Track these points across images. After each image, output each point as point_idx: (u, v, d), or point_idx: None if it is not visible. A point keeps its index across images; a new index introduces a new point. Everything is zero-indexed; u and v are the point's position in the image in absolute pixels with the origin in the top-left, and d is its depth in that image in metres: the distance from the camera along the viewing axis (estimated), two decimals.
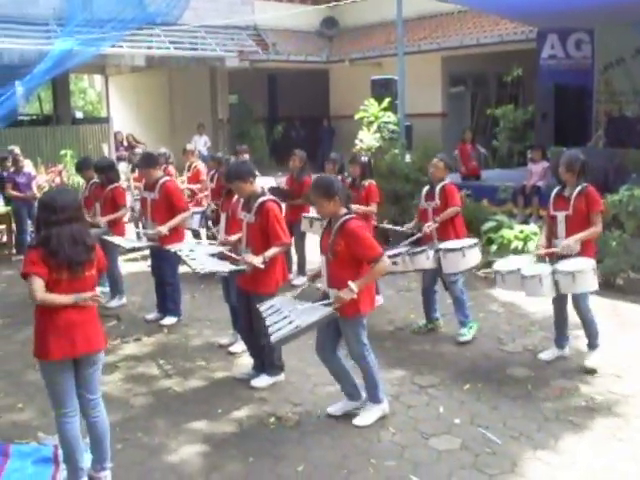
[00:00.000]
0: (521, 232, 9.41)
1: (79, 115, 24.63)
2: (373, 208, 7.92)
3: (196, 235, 10.00)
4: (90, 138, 16.47)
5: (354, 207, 7.06)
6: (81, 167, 8.92)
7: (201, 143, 18.19)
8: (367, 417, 5.23)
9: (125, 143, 18.22)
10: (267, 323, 4.94)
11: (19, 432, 5.22)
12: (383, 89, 13.75)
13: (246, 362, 6.37)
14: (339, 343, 5.35)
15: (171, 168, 11.29)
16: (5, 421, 5.46)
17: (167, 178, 7.77)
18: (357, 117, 12.98)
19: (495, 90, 19.64)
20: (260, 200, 5.71)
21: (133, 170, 12.77)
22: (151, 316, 7.88)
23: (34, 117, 21.20)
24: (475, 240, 7.04)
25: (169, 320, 7.70)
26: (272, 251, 5.61)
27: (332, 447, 4.89)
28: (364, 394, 5.37)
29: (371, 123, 12.84)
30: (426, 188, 7.24)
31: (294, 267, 9.18)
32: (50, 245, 4.13)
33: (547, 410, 5.35)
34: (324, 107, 21.56)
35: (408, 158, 12.35)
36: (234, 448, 4.93)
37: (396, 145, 12.46)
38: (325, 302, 5.03)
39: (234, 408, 5.54)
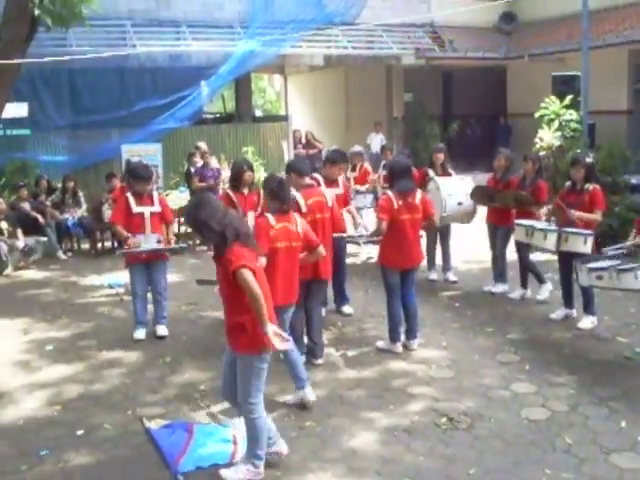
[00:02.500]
0: None
1: (259, 113, 25.65)
2: (598, 216, 7.16)
3: None
4: (270, 136, 17.07)
5: (577, 214, 6.97)
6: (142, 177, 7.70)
7: (377, 141, 18.33)
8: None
9: (304, 141, 18.69)
10: None
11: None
12: (565, 86, 13.24)
13: (425, 355, 6.44)
14: None
15: (367, 165, 11.32)
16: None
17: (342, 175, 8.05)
18: (537, 115, 12.57)
19: None
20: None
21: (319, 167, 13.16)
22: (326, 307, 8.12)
23: (217, 115, 22.26)
24: None
25: (348, 309, 8.06)
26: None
27: (504, 453, 4.81)
28: None
29: (552, 121, 12.41)
30: None
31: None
32: (241, 236, 4.34)
33: None
34: (501, 104, 21.02)
35: (590, 158, 11.79)
36: (405, 445, 4.97)
37: (578, 144, 11.96)
38: None
39: (406, 405, 5.58)
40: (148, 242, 7.34)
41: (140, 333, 7.49)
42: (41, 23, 11.86)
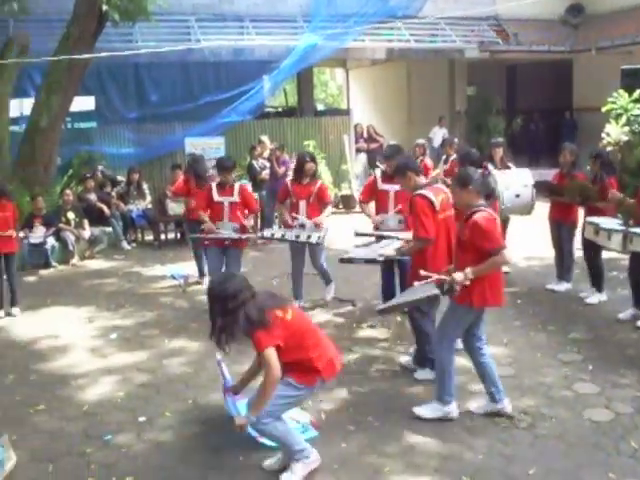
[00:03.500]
0: None
1: (320, 107, 25.68)
2: None
3: None
4: (331, 129, 17.07)
5: None
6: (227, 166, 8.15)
7: (440, 135, 18.18)
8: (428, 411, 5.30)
9: (365, 135, 18.64)
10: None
11: None
12: (633, 79, 12.87)
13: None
14: (475, 332, 5.35)
15: (428, 160, 11.30)
16: None
17: None
18: (604, 109, 12.26)
19: None
20: (414, 194, 5.85)
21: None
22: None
23: (279, 109, 22.39)
24: None
25: None
26: (413, 246, 5.90)
27: (566, 454, 4.72)
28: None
29: (620, 116, 12.08)
30: None
31: None
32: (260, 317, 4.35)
33: None
34: (566, 99, 20.58)
35: None
36: (464, 443, 4.92)
37: None
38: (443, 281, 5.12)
39: (466, 402, 5.52)
40: (224, 229, 7.93)
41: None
42: (108, 19, 12.16)
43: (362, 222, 8.82)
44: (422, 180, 6.05)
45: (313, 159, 8.28)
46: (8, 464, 4.76)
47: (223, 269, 7.87)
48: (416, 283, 5.24)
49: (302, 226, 8.07)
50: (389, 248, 6.49)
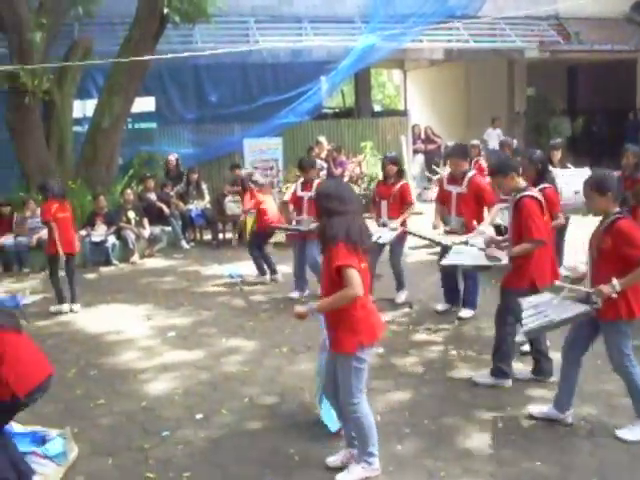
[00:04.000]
0: None
1: (378, 108, 25.61)
2: None
3: (500, 232, 9.71)
4: (389, 130, 16.98)
5: None
6: (305, 166, 8.96)
7: (494, 137, 17.94)
8: (636, 432, 4.92)
9: (423, 136, 18.53)
10: (523, 316, 4.98)
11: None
12: None
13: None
14: (589, 347, 5.12)
15: (482, 161, 11.16)
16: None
17: (474, 172, 7.83)
18: None
19: None
20: (519, 195, 5.64)
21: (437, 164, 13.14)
22: (440, 307, 8.01)
23: (337, 110, 22.41)
24: None
25: (467, 313, 7.78)
26: (522, 247, 5.56)
27: (630, 467, 4.58)
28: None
29: None
30: None
31: None
32: (353, 236, 4.29)
33: None
34: (630, 99, 20.10)
35: None
36: (521, 449, 4.84)
37: None
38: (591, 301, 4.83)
39: (524, 407, 5.43)
40: (302, 224, 8.71)
41: (294, 293, 8.94)
42: (169, 21, 12.37)
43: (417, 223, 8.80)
44: (522, 182, 5.84)
45: (393, 161, 8.40)
46: (71, 455, 4.89)
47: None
48: (554, 300, 4.98)
49: (384, 225, 8.23)
50: (496, 251, 6.12)
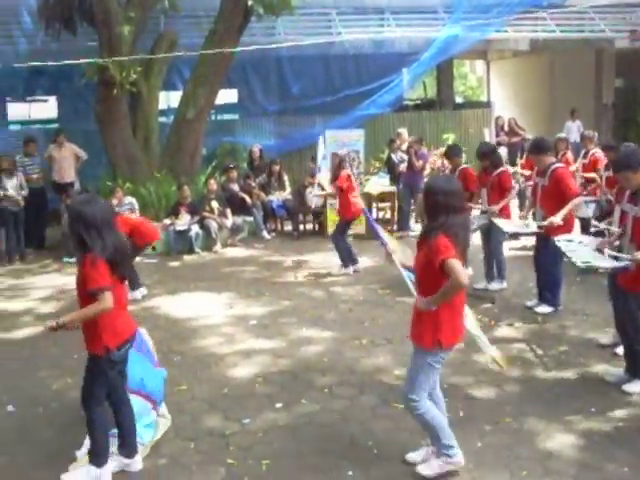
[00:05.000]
0: None
1: (460, 100, 25.25)
2: None
3: (585, 225, 9.47)
4: (471, 122, 16.71)
5: None
6: (451, 154, 9.36)
7: (574, 130, 17.41)
8: None
9: (506, 128, 18.16)
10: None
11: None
12: None
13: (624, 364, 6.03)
14: None
15: (569, 155, 10.95)
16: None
17: (558, 164, 7.67)
18: None
19: None
20: None
21: (522, 156, 12.92)
22: (531, 303, 7.89)
23: (418, 102, 22.20)
24: None
25: (544, 309, 7.64)
26: None
27: None
28: None
29: None
30: None
31: None
32: (455, 233, 4.22)
33: None
34: None
35: None
36: (606, 451, 4.71)
37: None
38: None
39: (609, 409, 5.29)
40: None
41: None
42: (253, 13, 12.49)
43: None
44: None
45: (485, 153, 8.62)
46: (163, 424, 5.24)
47: None
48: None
49: (484, 212, 8.46)
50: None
